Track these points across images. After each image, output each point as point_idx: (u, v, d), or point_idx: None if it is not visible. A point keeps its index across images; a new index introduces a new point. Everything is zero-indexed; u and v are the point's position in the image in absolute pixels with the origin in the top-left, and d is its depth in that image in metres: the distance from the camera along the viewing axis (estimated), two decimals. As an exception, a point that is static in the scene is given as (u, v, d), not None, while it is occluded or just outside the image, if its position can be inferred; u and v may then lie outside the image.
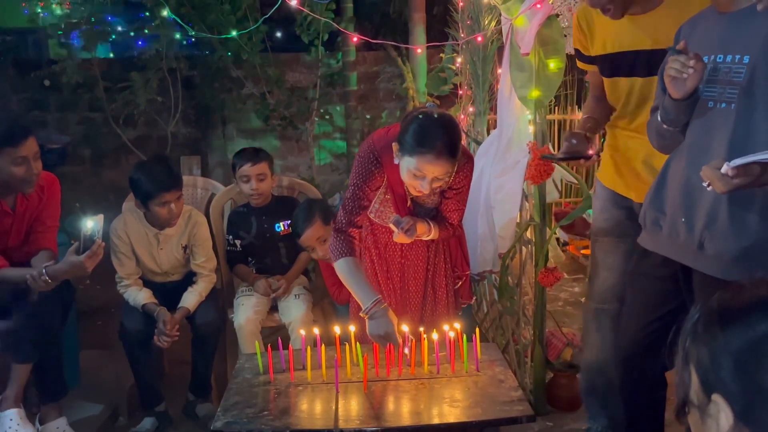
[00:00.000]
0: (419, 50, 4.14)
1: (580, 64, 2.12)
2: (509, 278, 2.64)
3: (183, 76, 4.22)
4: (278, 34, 4.61)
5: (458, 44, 3.37)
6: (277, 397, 1.80)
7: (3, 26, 4.86)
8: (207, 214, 2.79)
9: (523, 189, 2.50)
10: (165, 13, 3.66)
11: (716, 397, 0.70)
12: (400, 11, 4.84)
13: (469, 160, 2.04)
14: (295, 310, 2.57)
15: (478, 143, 3.02)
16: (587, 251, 3.69)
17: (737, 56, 1.49)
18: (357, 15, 4.45)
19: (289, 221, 2.64)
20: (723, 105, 1.51)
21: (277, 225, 2.70)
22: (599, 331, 2.17)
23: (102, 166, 4.73)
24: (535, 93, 2.30)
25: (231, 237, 2.73)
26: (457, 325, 1.99)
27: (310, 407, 1.77)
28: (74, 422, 2.37)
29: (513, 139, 2.46)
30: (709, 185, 1.37)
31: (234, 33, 3.69)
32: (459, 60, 3.54)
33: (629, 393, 1.90)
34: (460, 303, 2.26)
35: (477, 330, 1.98)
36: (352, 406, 1.75)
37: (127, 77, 4.01)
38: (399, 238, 1.99)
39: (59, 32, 4.10)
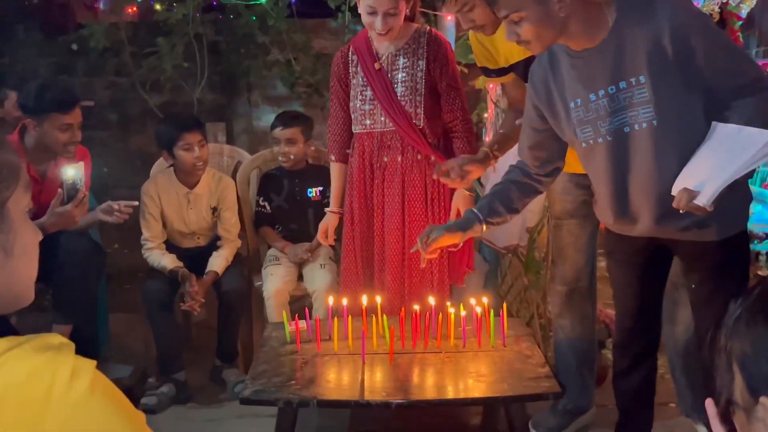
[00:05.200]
0: (449, 18, 4.05)
1: (493, 80, 2.17)
2: (536, 252, 2.61)
3: (209, 42, 4.18)
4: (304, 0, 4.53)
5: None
6: (303, 366, 1.82)
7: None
8: (233, 182, 2.80)
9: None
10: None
11: (764, 400, 0.67)
12: (428, -24, 4.72)
13: (442, 44, 2.22)
14: (320, 279, 2.58)
15: (508, 114, 2.96)
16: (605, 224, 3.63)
17: (632, 79, 1.51)
18: (385, -20, 4.36)
19: (322, 188, 2.68)
20: (644, 125, 1.53)
21: (309, 190, 2.72)
22: (571, 311, 2.16)
23: (129, 131, 4.75)
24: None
25: (261, 198, 2.75)
26: (485, 300, 1.99)
27: (337, 378, 1.79)
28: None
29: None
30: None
31: (262, 0, 3.64)
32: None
33: (621, 379, 1.92)
34: (462, 271, 2.28)
35: (504, 305, 1.98)
36: (377, 378, 1.76)
37: (154, 42, 3.98)
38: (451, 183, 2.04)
39: (86, -5, 4.08)
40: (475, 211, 1.80)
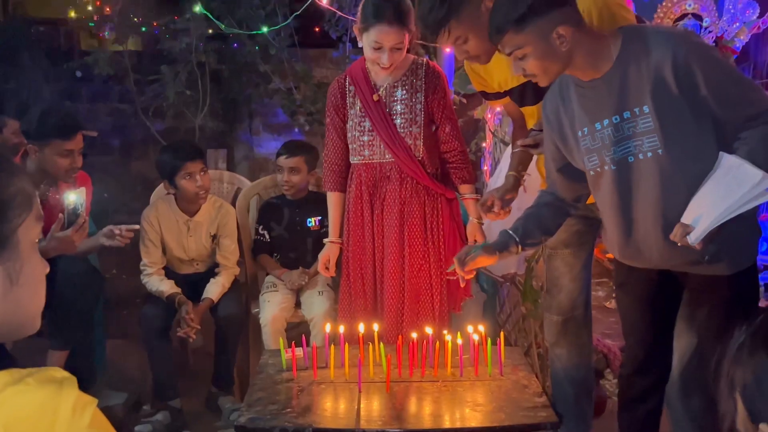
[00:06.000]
0: (447, 49, 4.11)
1: (492, 103, 2.25)
2: (534, 281, 2.61)
3: (211, 70, 4.24)
4: (306, 30, 4.61)
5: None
6: (299, 394, 1.81)
7: (36, 16, 4.94)
8: (233, 209, 2.81)
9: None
10: (197, 9, 3.68)
11: (764, 427, 0.67)
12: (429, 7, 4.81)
13: (440, 76, 2.26)
14: (317, 306, 2.58)
15: (506, 144, 2.99)
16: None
17: (636, 109, 1.54)
18: (386, 11, 4.43)
19: (321, 217, 2.68)
20: (649, 154, 1.55)
21: (309, 219, 2.73)
22: (567, 340, 2.14)
23: (130, 157, 4.78)
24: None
25: (260, 227, 2.76)
26: (482, 328, 1.99)
27: (333, 406, 1.78)
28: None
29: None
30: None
31: (264, 29, 3.70)
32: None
33: (627, 410, 1.92)
34: (459, 297, 2.33)
35: (501, 334, 1.97)
36: (374, 407, 1.75)
37: (157, 70, 4.05)
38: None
39: (91, 24, 4.15)
40: (511, 232, 1.80)
